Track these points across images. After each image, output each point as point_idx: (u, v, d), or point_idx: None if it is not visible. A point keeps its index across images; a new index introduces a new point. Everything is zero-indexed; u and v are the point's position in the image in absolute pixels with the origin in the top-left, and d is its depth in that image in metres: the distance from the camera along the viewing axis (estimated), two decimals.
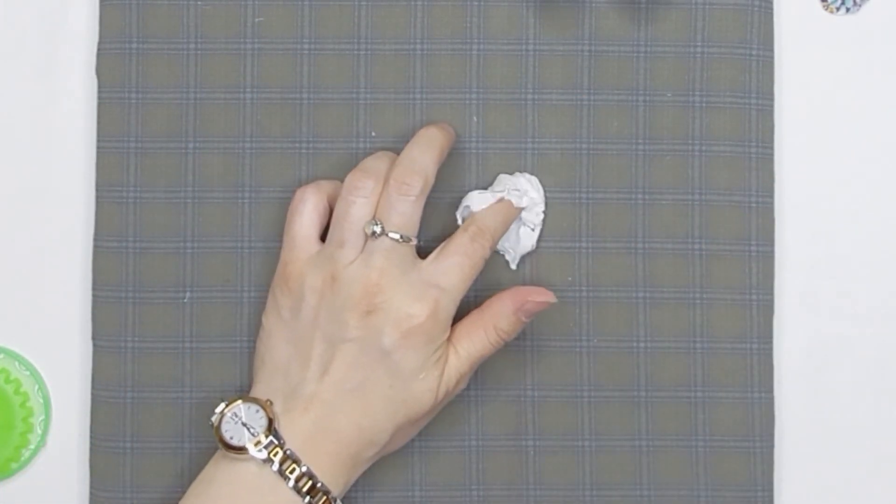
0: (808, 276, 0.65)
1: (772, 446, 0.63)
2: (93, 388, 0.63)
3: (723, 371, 0.63)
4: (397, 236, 0.58)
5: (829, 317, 0.64)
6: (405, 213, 0.58)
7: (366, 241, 0.58)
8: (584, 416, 0.63)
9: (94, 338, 0.63)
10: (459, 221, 0.62)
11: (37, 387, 0.64)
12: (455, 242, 0.59)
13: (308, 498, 0.57)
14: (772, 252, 0.64)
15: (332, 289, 0.58)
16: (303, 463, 0.57)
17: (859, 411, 0.64)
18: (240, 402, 0.58)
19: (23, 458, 0.64)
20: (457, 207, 0.62)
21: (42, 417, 0.64)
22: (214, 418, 0.58)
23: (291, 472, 0.57)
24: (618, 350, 0.63)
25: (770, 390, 0.63)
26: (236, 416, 0.58)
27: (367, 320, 0.57)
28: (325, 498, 0.57)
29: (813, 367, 0.64)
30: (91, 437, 0.63)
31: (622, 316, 0.63)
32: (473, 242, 0.59)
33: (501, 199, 0.61)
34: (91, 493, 0.63)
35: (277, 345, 0.59)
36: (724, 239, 0.63)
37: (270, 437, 0.57)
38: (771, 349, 0.63)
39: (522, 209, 0.62)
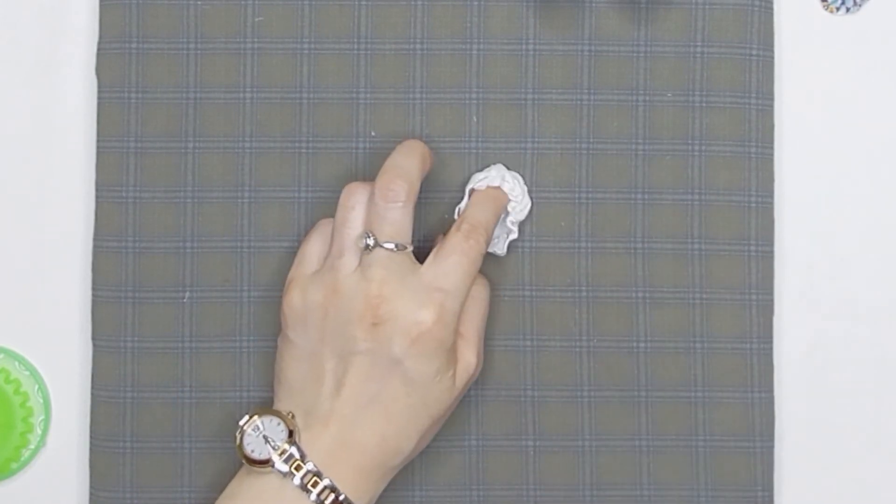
0: (808, 276, 0.65)
1: (772, 446, 0.63)
2: (93, 388, 0.63)
3: (723, 371, 0.63)
4: (391, 246, 0.57)
5: (829, 317, 0.64)
6: (395, 220, 0.58)
7: (362, 252, 0.58)
8: (584, 416, 0.63)
9: (93, 338, 0.63)
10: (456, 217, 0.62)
11: (37, 387, 0.64)
12: (450, 242, 0.59)
13: None
14: (772, 252, 0.64)
15: (334, 303, 0.57)
16: (325, 476, 0.56)
17: (859, 411, 0.64)
18: (259, 416, 0.58)
19: (23, 458, 0.64)
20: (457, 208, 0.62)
21: (42, 417, 0.64)
22: (238, 433, 0.58)
23: (314, 486, 0.56)
24: (618, 350, 0.63)
25: (770, 390, 0.63)
26: (258, 428, 0.57)
27: (374, 332, 0.57)
28: None
29: (813, 367, 0.64)
30: (91, 437, 0.63)
31: (622, 316, 0.63)
32: (468, 240, 0.59)
33: (489, 187, 0.61)
34: (91, 493, 0.63)
35: (290, 364, 0.59)
36: (724, 239, 0.63)
37: (291, 450, 0.56)
38: (771, 349, 0.63)
39: (509, 200, 0.62)
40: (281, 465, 0.56)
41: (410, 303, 0.57)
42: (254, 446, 0.57)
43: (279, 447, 0.57)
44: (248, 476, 0.58)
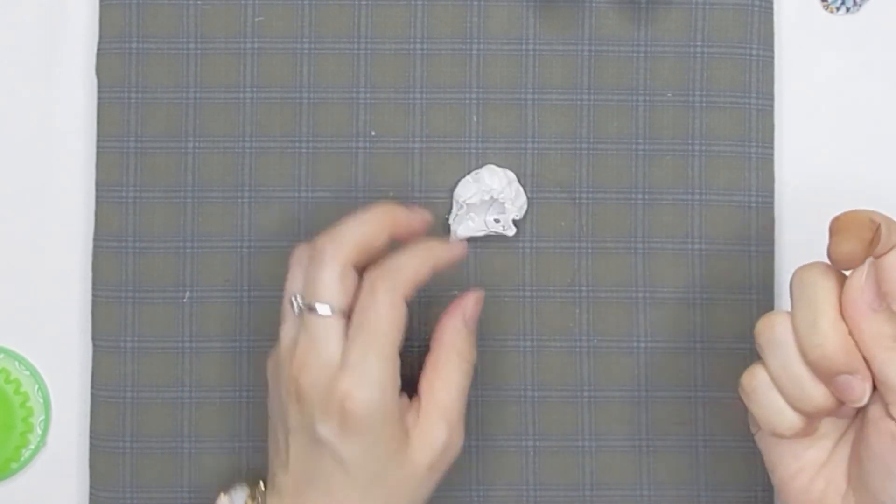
0: None
1: None
2: (93, 388, 0.63)
3: (723, 371, 0.63)
4: (323, 309, 0.53)
5: None
6: (319, 280, 0.53)
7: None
8: (584, 416, 0.63)
9: (93, 338, 0.63)
10: (451, 222, 0.62)
11: (37, 387, 0.64)
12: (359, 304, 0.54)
13: None
14: (772, 252, 0.64)
15: (276, 372, 0.56)
16: None
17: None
18: (228, 491, 0.59)
19: (23, 458, 0.64)
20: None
21: (42, 417, 0.64)
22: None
23: None
24: (618, 350, 0.63)
25: None
26: (231, 500, 0.58)
27: (300, 408, 0.53)
28: None
29: None
30: (91, 437, 0.63)
31: (622, 316, 0.63)
32: (375, 286, 0.53)
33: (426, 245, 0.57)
34: (91, 493, 0.63)
35: (269, 427, 0.58)
36: (724, 239, 0.63)
37: None
38: None
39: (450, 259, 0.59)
40: None
41: (328, 375, 0.53)
42: None
43: None
44: None
